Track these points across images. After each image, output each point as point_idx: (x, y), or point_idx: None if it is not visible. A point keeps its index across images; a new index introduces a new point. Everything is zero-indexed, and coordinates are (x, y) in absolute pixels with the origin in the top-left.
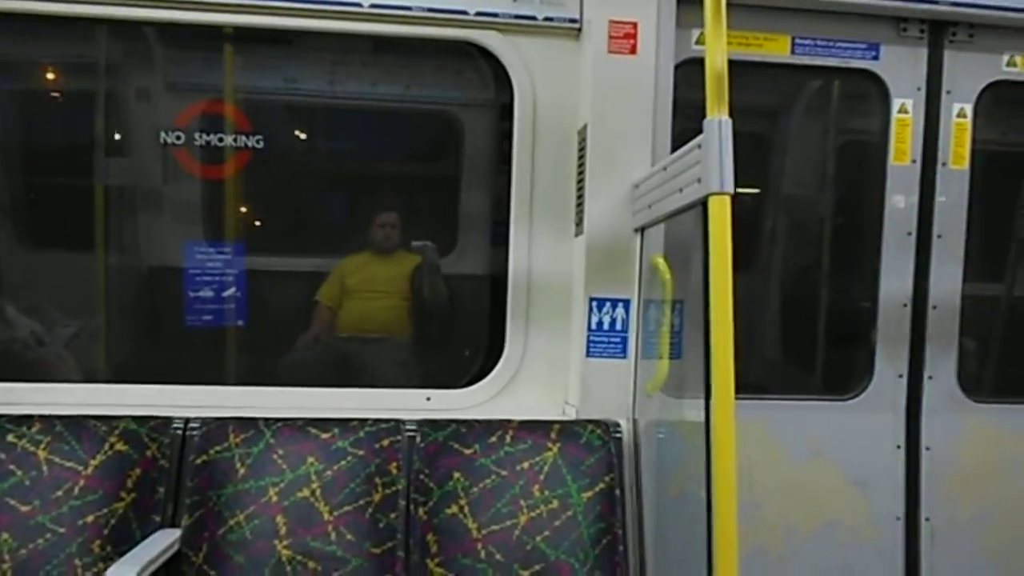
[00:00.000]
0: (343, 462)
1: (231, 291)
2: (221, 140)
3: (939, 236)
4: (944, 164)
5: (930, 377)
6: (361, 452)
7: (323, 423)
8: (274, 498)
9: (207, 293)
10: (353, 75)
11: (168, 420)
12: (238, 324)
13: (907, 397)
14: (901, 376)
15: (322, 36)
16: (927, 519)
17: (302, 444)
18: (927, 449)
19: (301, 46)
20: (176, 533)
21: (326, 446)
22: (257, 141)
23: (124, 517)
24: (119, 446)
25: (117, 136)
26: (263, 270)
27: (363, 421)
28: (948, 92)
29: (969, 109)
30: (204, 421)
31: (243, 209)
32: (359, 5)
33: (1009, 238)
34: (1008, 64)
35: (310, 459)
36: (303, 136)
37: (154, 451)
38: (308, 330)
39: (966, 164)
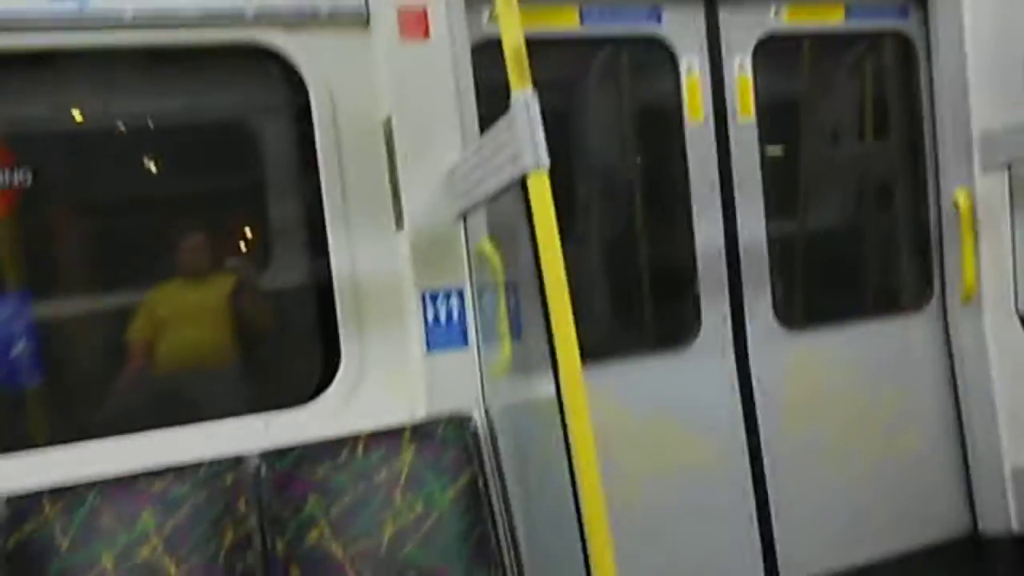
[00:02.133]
0: (183, 511)
1: (21, 346)
2: None
3: (740, 184)
4: (734, 117)
5: (751, 316)
6: (203, 495)
7: (154, 473)
8: (109, 565)
9: None
10: (131, 92)
11: None
12: (35, 381)
13: (734, 338)
14: (725, 320)
15: (88, 53)
16: (767, 449)
17: (134, 500)
18: (758, 383)
19: (66, 65)
20: None
21: (161, 497)
22: (24, 175)
23: None
24: None
25: None
26: (57, 316)
27: (199, 464)
28: (728, 49)
29: (748, 63)
30: (9, 499)
31: (21, 253)
32: (120, 14)
33: (797, 177)
34: (775, 16)
35: (145, 515)
36: (83, 164)
37: None
38: (122, 373)
39: (752, 115)
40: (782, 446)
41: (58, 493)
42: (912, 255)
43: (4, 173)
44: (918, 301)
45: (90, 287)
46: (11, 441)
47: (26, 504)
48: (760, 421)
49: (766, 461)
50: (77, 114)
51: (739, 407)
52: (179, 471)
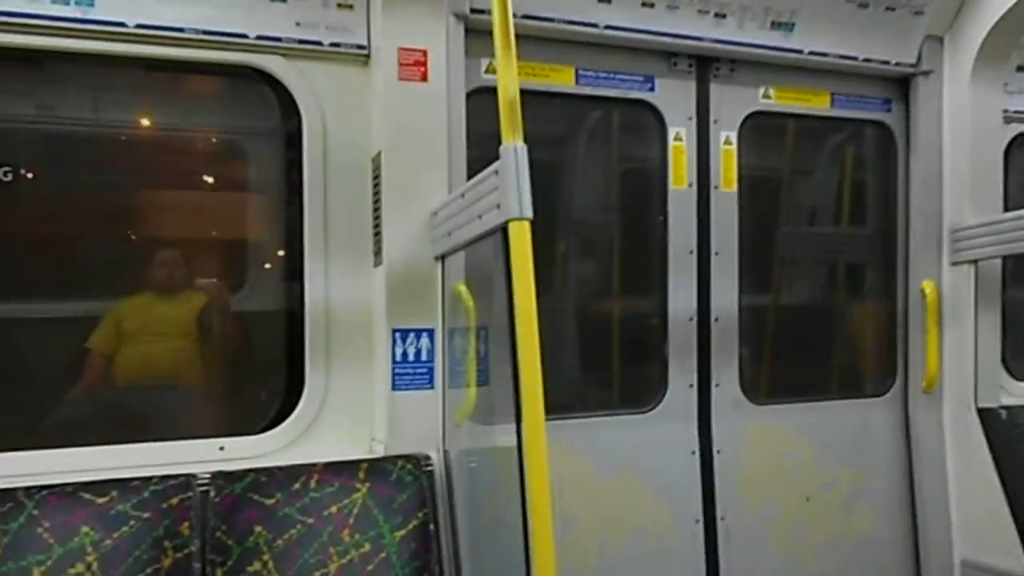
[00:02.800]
0: (124, 528)
1: None
2: None
3: (716, 253)
4: (716, 187)
5: (717, 385)
6: (146, 514)
7: (99, 486)
8: None
9: None
10: (120, 101)
11: None
12: None
13: (698, 405)
14: (692, 386)
15: (83, 58)
16: (722, 518)
17: (73, 513)
18: (718, 452)
19: (58, 68)
20: None
21: (103, 512)
22: (4, 173)
23: None
24: None
25: None
26: (17, 318)
27: (147, 480)
28: (716, 121)
29: (734, 136)
30: None
31: None
32: (123, 25)
33: (773, 252)
34: (764, 96)
35: (84, 528)
36: (65, 167)
37: None
38: (78, 382)
39: (735, 187)
40: (737, 515)
41: None
42: (878, 340)
43: None
44: (881, 386)
45: (56, 291)
46: None
47: None
48: (717, 489)
49: (720, 528)
50: (63, 116)
51: (698, 474)
52: (123, 486)
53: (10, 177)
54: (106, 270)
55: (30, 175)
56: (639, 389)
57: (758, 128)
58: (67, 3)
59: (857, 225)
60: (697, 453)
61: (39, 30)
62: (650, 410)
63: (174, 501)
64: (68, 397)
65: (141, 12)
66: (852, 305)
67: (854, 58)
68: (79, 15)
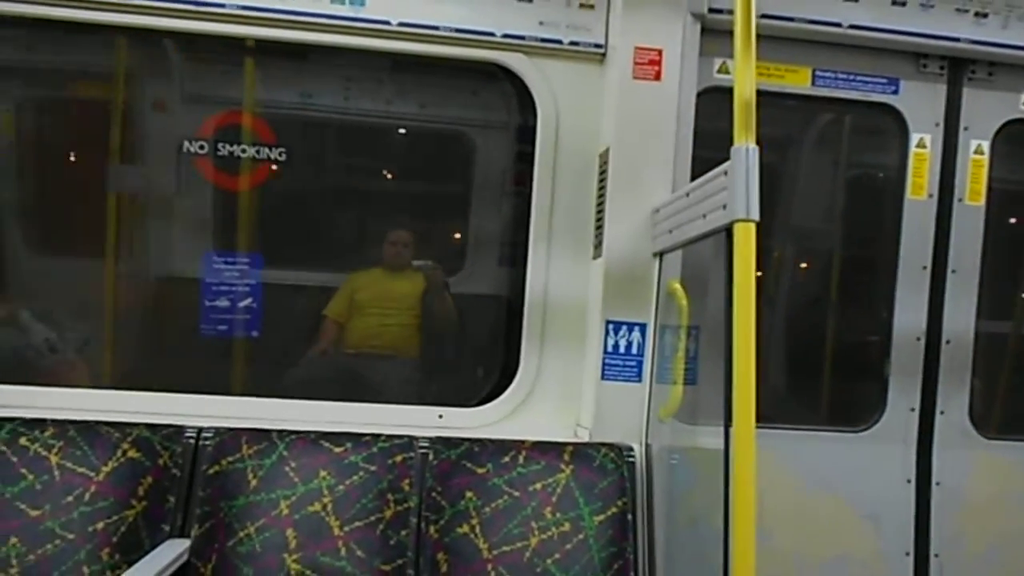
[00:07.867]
0: (355, 477)
1: (247, 302)
2: (244, 151)
3: (954, 271)
4: (960, 200)
5: (942, 412)
6: (374, 468)
7: (336, 437)
8: (285, 511)
9: (223, 303)
10: (368, 92)
11: (180, 429)
12: (252, 335)
13: (919, 431)
14: (913, 410)
15: (340, 52)
16: (936, 555)
17: (315, 457)
18: (937, 484)
19: (319, 61)
20: (185, 543)
21: (339, 460)
22: (280, 154)
23: (134, 525)
24: (131, 453)
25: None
26: (278, 283)
27: (376, 436)
28: (966, 128)
29: (986, 146)
30: (217, 431)
31: (262, 220)
32: (387, 23)
33: (1021, 275)
34: None
35: (323, 473)
36: (325, 151)
37: (166, 459)
38: (317, 344)
39: (982, 200)
40: (953, 554)
41: (256, 435)
42: None
43: (264, 150)
44: None
45: (309, 261)
46: (223, 382)
47: (230, 439)
48: (933, 525)
49: (932, 565)
50: (320, 104)
51: (912, 504)
52: (356, 440)
53: (284, 158)
54: (347, 244)
55: (299, 157)
56: (853, 407)
57: (1016, 137)
58: (343, 2)
59: None
60: (913, 482)
61: (315, 27)
62: (863, 430)
63: (398, 459)
64: (307, 357)
65: (403, 11)
66: None
67: None
68: (351, 14)
